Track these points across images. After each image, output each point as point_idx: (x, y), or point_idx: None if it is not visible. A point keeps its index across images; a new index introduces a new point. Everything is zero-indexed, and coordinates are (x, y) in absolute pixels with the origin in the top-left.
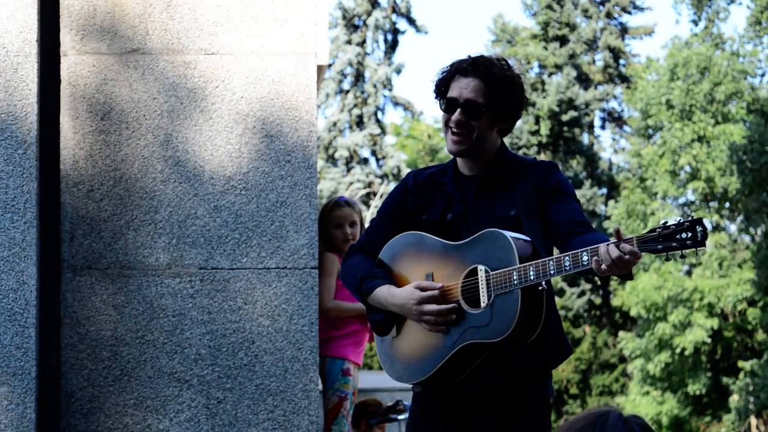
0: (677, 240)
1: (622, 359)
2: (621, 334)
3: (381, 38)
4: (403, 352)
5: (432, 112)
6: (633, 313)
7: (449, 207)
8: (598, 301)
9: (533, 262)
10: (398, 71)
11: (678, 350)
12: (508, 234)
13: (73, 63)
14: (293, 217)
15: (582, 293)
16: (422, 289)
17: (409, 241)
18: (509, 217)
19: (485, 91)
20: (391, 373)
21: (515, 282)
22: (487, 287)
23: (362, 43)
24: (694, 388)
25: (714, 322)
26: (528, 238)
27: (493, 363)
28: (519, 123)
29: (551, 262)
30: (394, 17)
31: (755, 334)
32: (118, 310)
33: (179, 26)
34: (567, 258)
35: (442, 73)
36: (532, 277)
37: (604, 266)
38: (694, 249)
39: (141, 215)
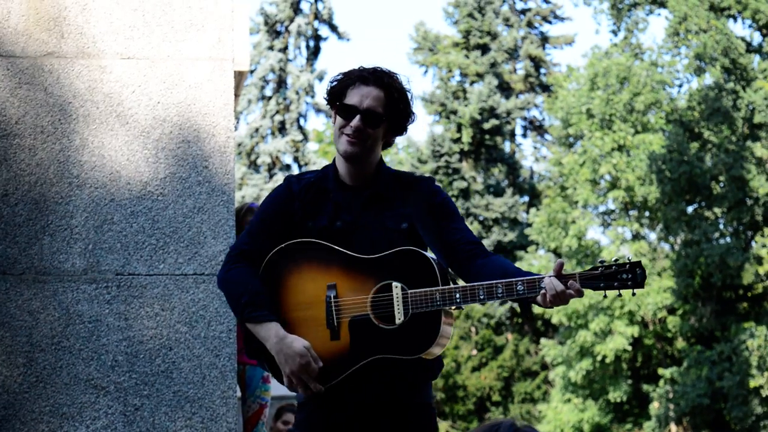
0: (618, 280)
1: (544, 366)
2: (543, 341)
3: (303, 45)
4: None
5: None
6: (555, 320)
7: (337, 215)
8: (519, 308)
9: (459, 285)
10: (320, 78)
11: (599, 358)
12: (429, 254)
13: None
14: (211, 223)
15: (504, 301)
16: (312, 356)
17: (310, 249)
18: (401, 230)
19: (384, 102)
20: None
21: (438, 302)
22: (404, 304)
23: (284, 50)
24: (615, 395)
25: (634, 330)
26: (441, 261)
27: (380, 372)
28: (440, 130)
29: (481, 290)
30: (316, 24)
31: (675, 341)
32: (34, 315)
33: (95, 30)
34: (499, 286)
35: (339, 79)
36: (458, 300)
37: (540, 298)
38: (632, 290)
39: (57, 220)
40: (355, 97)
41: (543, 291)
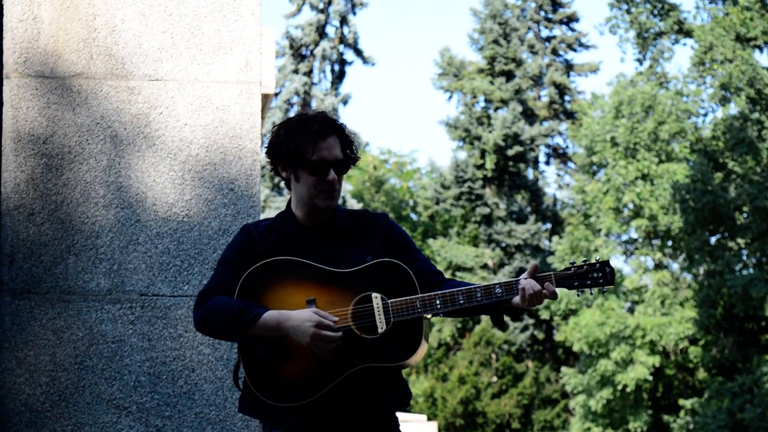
0: (590, 278)
1: (565, 395)
2: (563, 369)
3: (328, 68)
4: (281, 374)
5: (377, 143)
6: (576, 348)
7: (302, 255)
8: (541, 336)
9: (439, 292)
10: (345, 102)
11: (620, 387)
12: (405, 265)
13: (15, 86)
14: None
15: (525, 328)
16: (321, 314)
17: (285, 266)
18: (365, 262)
19: (342, 147)
20: (266, 395)
21: (418, 309)
22: (385, 313)
23: (309, 73)
24: (635, 425)
25: (656, 360)
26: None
27: (357, 393)
28: (464, 156)
29: (460, 295)
30: (341, 48)
31: (696, 372)
32: (58, 335)
33: (123, 51)
34: (478, 290)
35: (291, 139)
36: (438, 306)
37: (517, 299)
38: (602, 287)
39: (82, 240)
40: (323, 151)
41: (521, 289)
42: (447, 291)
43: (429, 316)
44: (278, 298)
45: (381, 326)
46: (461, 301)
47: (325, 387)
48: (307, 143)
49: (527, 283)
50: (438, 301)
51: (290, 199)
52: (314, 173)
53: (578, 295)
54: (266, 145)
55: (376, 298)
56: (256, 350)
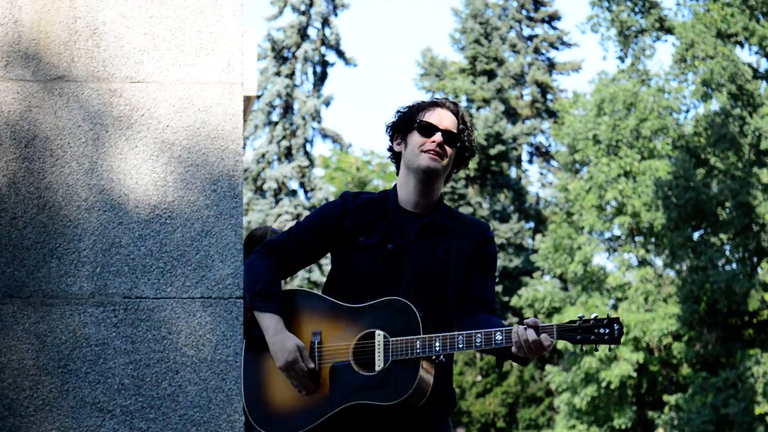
0: (595, 334)
1: (549, 393)
2: (548, 367)
3: (310, 70)
4: (275, 400)
5: (360, 145)
6: (560, 346)
7: (390, 237)
8: None
9: (440, 334)
10: (327, 103)
11: (604, 384)
12: (414, 307)
13: None
14: (219, 247)
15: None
16: (302, 355)
17: (302, 298)
18: (450, 263)
19: (459, 129)
20: (254, 414)
21: (418, 351)
22: (384, 351)
23: (291, 75)
24: (620, 421)
25: (640, 356)
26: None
27: (360, 419)
28: None
29: (460, 337)
30: (323, 49)
31: (680, 368)
32: (41, 339)
33: (105, 54)
34: (479, 335)
35: (409, 106)
36: (437, 349)
37: (514, 348)
38: (609, 345)
39: (64, 243)
40: (433, 117)
41: (515, 339)
42: (448, 334)
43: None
44: (294, 322)
45: (379, 364)
46: (460, 345)
47: (316, 420)
48: (422, 108)
49: (516, 329)
50: (438, 344)
51: (395, 184)
52: (421, 132)
53: (581, 350)
54: (387, 123)
55: (379, 336)
56: (247, 333)
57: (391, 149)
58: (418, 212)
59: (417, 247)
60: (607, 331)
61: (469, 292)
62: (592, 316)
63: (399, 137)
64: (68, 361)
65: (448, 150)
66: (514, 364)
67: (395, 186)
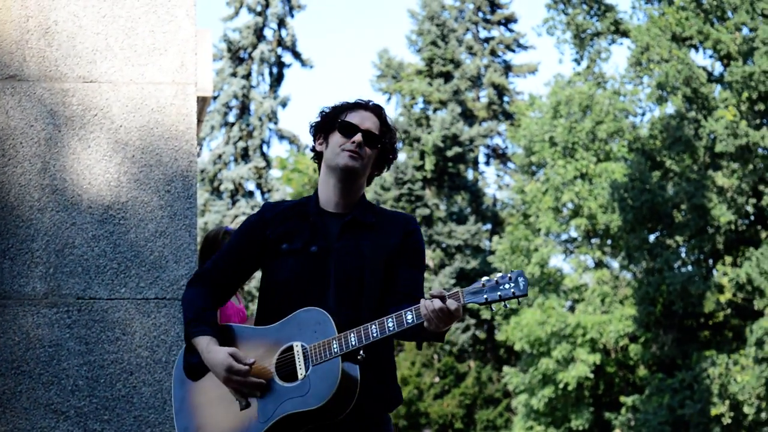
0: (502, 290)
1: (507, 394)
2: (505, 369)
3: (266, 71)
4: (210, 423)
5: None
6: (517, 348)
7: (313, 239)
8: (482, 335)
9: (354, 329)
10: (284, 104)
11: (561, 385)
12: (324, 311)
13: None
14: (173, 247)
15: (467, 328)
16: (236, 358)
17: (224, 332)
18: (376, 258)
19: (380, 131)
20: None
21: (335, 350)
22: (304, 360)
23: (247, 76)
24: (578, 423)
25: (596, 358)
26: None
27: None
28: (403, 158)
29: (373, 326)
30: (279, 51)
31: (636, 369)
32: None
33: (57, 53)
34: (390, 319)
35: (333, 106)
36: (353, 343)
37: (426, 323)
38: (517, 299)
39: (17, 244)
40: (355, 117)
41: (424, 313)
42: (361, 327)
43: (359, 353)
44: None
45: (300, 372)
46: (374, 334)
47: None
48: (345, 108)
49: (423, 303)
50: (353, 338)
51: (316, 188)
52: (342, 132)
53: (491, 310)
54: (311, 122)
55: (297, 346)
56: (186, 361)
57: (313, 149)
58: (339, 212)
59: (339, 246)
60: (513, 285)
61: (396, 285)
62: (497, 275)
63: (321, 137)
64: (21, 362)
65: (368, 150)
66: (472, 364)
67: (316, 190)
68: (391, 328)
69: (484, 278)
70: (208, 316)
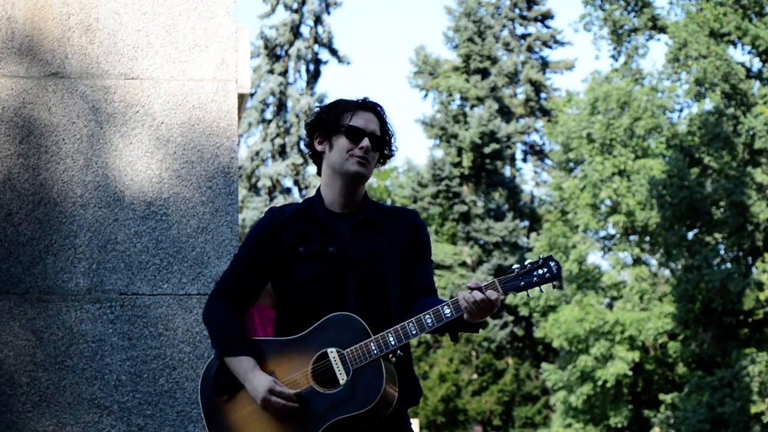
0: (537, 276)
1: (545, 391)
2: (543, 365)
3: (303, 68)
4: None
5: None
6: (555, 345)
7: (328, 240)
8: (520, 332)
9: (390, 329)
10: (320, 101)
11: (600, 383)
12: (354, 314)
13: None
14: (214, 243)
15: (505, 325)
16: (278, 389)
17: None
18: (392, 254)
19: (382, 131)
20: None
21: (374, 352)
22: (343, 365)
23: (284, 73)
24: (616, 420)
25: (635, 355)
26: (395, 292)
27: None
28: (441, 154)
29: (410, 324)
30: (316, 47)
31: (675, 367)
32: (37, 335)
33: (99, 50)
34: (428, 315)
35: (333, 108)
36: (393, 343)
37: (466, 315)
38: (551, 282)
39: (60, 240)
40: (360, 121)
41: (465, 306)
42: (399, 325)
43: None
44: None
45: (342, 378)
46: (413, 332)
47: None
48: (347, 111)
49: (461, 296)
50: (392, 338)
51: (319, 188)
52: (349, 137)
53: (528, 296)
54: (307, 120)
55: (332, 352)
56: (216, 379)
57: (310, 147)
58: (347, 212)
59: (355, 245)
60: (546, 270)
61: (410, 282)
62: (527, 262)
63: (321, 137)
64: (65, 358)
65: (374, 153)
66: (510, 360)
67: (318, 190)
68: (429, 324)
69: (516, 266)
70: (246, 336)
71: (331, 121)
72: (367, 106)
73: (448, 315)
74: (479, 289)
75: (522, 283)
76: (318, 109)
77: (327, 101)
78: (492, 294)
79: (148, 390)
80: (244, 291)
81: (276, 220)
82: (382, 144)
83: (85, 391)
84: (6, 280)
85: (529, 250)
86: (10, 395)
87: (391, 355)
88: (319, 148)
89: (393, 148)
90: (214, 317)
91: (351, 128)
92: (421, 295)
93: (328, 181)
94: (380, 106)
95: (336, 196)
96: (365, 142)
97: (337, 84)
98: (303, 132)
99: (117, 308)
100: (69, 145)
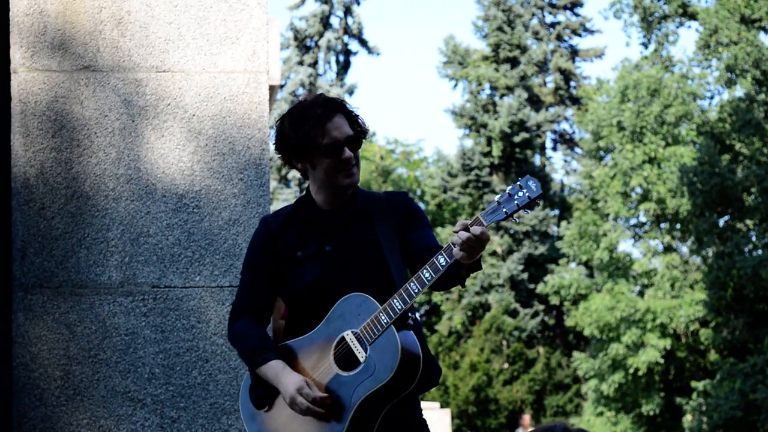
0: (518, 199)
1: (576, 380)
2: (575, 354)
3: (333, 59)
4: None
5: (384, 133)
6: (586, 333)
7: (325, 240)
8: (551, 321)
9: (396, 294)
10: (351, 92)
11: (631, 370)
12: (359, 292)
13: (23, 80)
14: (246, 235)
15: (535, 314)
16: (306, 391)
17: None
18: (389, 241)
19: (350, 124)
20: None
21: (385, 321)
22: (360, 344)
23: (314, 64)
24: (648, 408)
25: (667, 343)
26: (405, 265)
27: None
28: (470, 144)
29: (411, 284)
30: (345, 38)
31: (707, 354)
32: (71, 328)
33: (130, 44)
34: (424, 270)
35: (299, 127)
36: (399, 307)
37: (461, 253)
38: (535, 202)
39: (93, 233)
40: (332, 132)
41: (456, 248)
42: (402, 288)
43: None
44: None
45: (361, 356)
46: (415, 290)
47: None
48: (316, 129)
49: (450, 241)
50: (397, 303)
51: (308, 187)
52: (330, 155)
53: (516, 221)
54: (273, 140)
55: (348, 334)
56: (252, 395)
57: (288, 165)
58: (338, 209)
59: (352, 239)
60: (525, 191)
61: (414, 248)
62: (507, 189)
63: (297, 160)
64: (98, 351)
65: (357, 154)
66: (541, 349)
67: (308, 191)
68: (428, 278)
69: (497, 196)
70: (269, 342)
71: (302, 144)
72: (330, 112)
73: (443, 263)
74: (465, 228)
75: (504, 209)
76: (279, 131)
77: (356, 92)
78: (476, 229)
79: (181, 382)
80: (259, 305)
81: (270, 228)
82: (359, 138)
83: (119, 384)
84: (39, 274)
85: (560, 238)
86: (44, 389)
87: (409, 321)
88: (299, 167)
89: (363, 124)
90: (236, 336)
91: (328, 146)
92: (425, 256)
93: (318, 189)
94: (338, 101)
95: (327, 197)
96: (346, 152)
97: (366, 75)
98: None
99: (149, 301)
100: (101, 138)
